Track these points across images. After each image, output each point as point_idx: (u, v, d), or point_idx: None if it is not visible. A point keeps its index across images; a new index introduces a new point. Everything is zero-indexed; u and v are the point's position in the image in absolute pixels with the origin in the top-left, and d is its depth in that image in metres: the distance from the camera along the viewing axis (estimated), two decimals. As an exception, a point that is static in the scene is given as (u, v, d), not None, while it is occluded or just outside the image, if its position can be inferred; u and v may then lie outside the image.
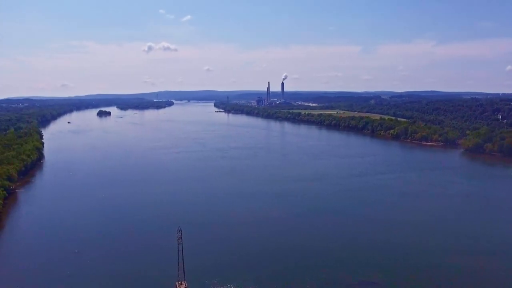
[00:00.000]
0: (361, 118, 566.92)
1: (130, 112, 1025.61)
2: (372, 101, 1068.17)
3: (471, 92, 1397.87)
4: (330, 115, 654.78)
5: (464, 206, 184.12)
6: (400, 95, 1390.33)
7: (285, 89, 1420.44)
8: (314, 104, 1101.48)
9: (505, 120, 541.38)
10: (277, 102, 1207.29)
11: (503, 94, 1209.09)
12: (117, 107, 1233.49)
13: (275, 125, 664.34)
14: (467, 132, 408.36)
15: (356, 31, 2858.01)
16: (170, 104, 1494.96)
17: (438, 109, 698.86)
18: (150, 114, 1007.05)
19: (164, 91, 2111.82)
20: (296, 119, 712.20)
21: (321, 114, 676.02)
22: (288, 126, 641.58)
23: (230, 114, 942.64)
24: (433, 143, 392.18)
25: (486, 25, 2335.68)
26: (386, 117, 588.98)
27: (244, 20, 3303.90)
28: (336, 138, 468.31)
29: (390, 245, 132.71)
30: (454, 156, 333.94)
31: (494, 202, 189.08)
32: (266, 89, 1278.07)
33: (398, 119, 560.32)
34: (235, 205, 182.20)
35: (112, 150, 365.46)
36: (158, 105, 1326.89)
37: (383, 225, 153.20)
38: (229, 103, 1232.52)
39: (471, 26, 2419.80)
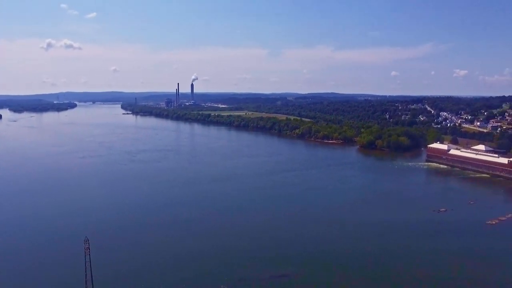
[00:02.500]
0: (269, 118, 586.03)
1: (26, 115, 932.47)
2: (279, 102, 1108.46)
3: (364, 94, 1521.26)
4: (239, 116, 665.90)
5: (360, 197, 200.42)
6: (304, 97, 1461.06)
7: (195, 91, 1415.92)
8: (223, 106, 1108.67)
9: (391, 119, 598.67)
10: (187, 103, 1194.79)
11: (390, 96, 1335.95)
12: (10, 109, 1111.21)
13: (185, 127, 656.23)
14: (362, 130, 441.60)
15: (263, 34, 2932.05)
16: (72, 106, 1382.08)
17: (337, 110, 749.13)
18: (50, 116, 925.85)
19: (66, 92, 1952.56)
20: (206, 120, 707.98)
21: (230, 115, 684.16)
22: (198, 128, 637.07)
23: (138, 116, 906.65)
24: (334, 141, 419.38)
25: (376, 34, 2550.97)
26: (292, 117, 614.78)
27: (153, 20, 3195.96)
28: (245, 139, 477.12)
29: (298, 238, 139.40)
30: (351, 152, 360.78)
31: (382, 193, 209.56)
32: (175, 91, 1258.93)
33: (303, 119, 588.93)
34: (146, 210, 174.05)
35: (3, 158, 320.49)
36: (59, 107, 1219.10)
37: (290, 219, 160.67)
38: (137, 105, 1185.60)
39: (364, 35, 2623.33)
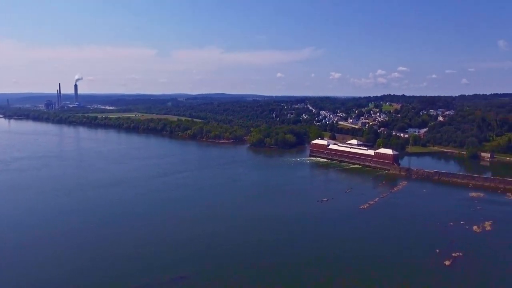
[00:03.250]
0: (160, 120, 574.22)
1: None
2: (170, 103, 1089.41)
3: (253, 94, 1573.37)
4: (128, 118, 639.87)
5: (252, 193, 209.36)
6: (195, 97, 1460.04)
7: (79, 92, 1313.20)
8: (111, 107, 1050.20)
9: (278, 118, 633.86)
10: (70, 105, 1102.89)
11: (276, 96, 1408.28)
12: None
13: (69, 131, 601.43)
14: (251, 129, 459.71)
15: (152, 34, 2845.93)
16: None
17: (227, 110, 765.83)
18: None
19: None
20: (93, 123, 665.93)
21: (119, 117, 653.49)
22: (84, 131, 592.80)
23: (12, 120, 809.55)
24: (225, 141, 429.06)
25: (262, 38, 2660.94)
26: (183, 118, 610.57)
27: (26, 14, 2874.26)
28: (136, 141, 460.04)
29: (194, 238, 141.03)
30: (242, 150, 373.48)
31: (273, 187, 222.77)
32: (57, 92, 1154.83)
33: (194, 120, 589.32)
34: (26, 222, 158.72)
35: None
36: None
37: (184, 220, 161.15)
38: (11, 107, 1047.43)
39: (252, 38, 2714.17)
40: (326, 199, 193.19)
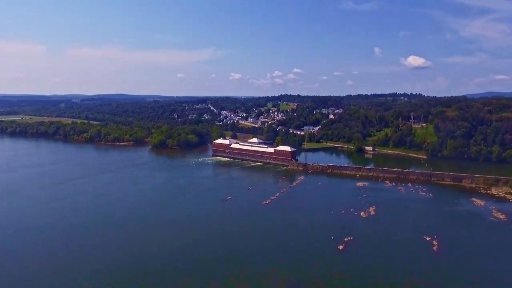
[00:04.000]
0: (52, 123, 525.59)
1: None
2: (63, 105, 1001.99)
3: (153, 95, 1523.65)
4: (14, 121, 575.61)
5: (155, 196, 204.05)
6: (91, 98, 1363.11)
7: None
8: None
9: (180, 119, 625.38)
10: None
11: (177, 97, 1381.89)
12: None
13: None
14: (153, 130, 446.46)
15: (42, 28, 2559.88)
16: None
17: (127, 111, 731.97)
18: None
19: None
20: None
21: (2, 120, 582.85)
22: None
23: None
24: (125, 143, 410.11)
25: (163, 37, 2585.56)
26: (79, 121, 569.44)
27: None
28: (23, 147, 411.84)
29: (89, 252, 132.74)
30: (144, 153, 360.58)
31: (174, 189, 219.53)
32: None
33: (91, 122, 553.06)
34: None
35: None
36: None
37: (78, 232, 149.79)
38: None
39: (151, 37, 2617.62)
40: (230, 197, 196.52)
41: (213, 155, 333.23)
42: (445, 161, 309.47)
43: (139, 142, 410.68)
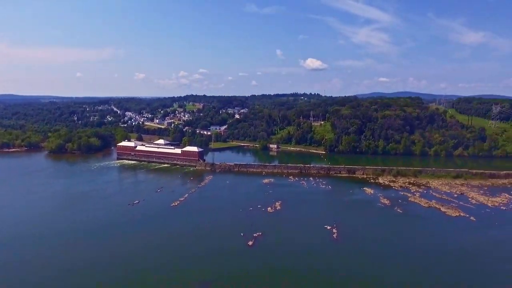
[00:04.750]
0: None
1: None
2: None
3: (49, 95, 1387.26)
4: None
5: (52, 204, 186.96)
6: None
7: None
8: None
9: (80, 121, 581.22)
10: None
11: (76, 97, 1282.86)
12: None
13: None
14: (49, 134, 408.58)
15: None
16: None
17: (18, 114, 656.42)
18: None
19: None
20: None
21: None
22: None
23: None
24: (16, 149, 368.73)
25: (57, 33, 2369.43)
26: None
27: None
28: None
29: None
30: (39, 159, 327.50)
31: (76, 196, 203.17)
32: None
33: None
34: None
35: None
36: None
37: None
38: None
39: (43, 32, 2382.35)
40: (137, 201, 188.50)
41: (118, 159, 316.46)
42: (341, 155, 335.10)
43: (33, 148, 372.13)
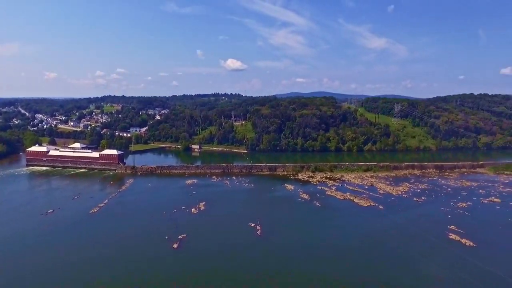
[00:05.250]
0: None
1: None
2: None
3: None
4: None
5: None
6: None
7: None
8: None
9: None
10: None
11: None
12: None
13: None
14: None
15: None
16: None
17: None
18: None
19: None
20: None
21: None
22: None
23: None
24: None
25: None
26: None
27: None
28: None
29: None
30: None
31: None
32: None
33: None
34: None
35: None
36: None
37: None
38: None
39: None
40: (51, 210, 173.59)
41: (28, 165, 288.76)
42: (262, 153, 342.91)
43: None
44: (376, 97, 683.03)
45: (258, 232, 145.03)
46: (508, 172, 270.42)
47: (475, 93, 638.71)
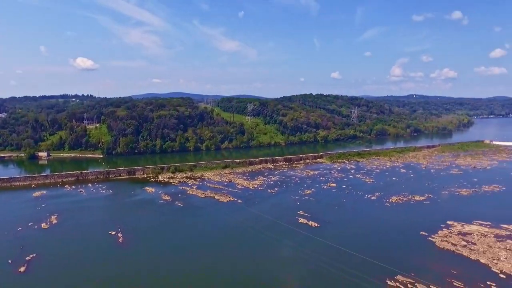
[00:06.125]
0: None
1: None
2: None
3: None
4: None
5: None
6: None
7: None
8: None
9: None
10: None
11: None
12: None
13: None
14: None
15: None
16: None
17: None
18: None
19: None
20: None
21: None
22: None
23: None
24: None
25: None
26: None
27: None
28: None
29: None
30: None
31: None
32: None
33: None
34: None
35: None
36: None
37: None
38: None
39: None
40: None
41: None
42: (120, 157, 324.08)
43: None
44: (230, 97, 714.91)
45: (120, 240, 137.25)
46: (340, 160, 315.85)
47: (314, 93, 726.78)
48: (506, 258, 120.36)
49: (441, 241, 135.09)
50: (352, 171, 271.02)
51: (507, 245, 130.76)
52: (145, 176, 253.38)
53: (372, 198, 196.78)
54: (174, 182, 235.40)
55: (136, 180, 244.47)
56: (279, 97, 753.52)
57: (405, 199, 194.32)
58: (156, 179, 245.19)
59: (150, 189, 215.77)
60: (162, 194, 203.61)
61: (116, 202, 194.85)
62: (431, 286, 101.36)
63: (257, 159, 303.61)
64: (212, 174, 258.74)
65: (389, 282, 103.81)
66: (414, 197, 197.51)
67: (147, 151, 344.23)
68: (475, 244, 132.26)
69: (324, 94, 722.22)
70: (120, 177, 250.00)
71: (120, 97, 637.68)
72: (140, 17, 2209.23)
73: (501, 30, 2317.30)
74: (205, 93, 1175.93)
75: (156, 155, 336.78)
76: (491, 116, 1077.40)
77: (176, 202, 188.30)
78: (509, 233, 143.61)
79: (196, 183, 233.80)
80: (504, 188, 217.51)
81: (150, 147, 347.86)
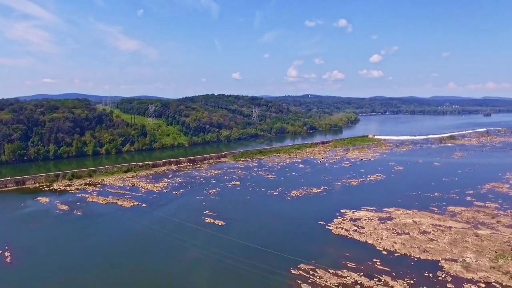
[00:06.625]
0: None
1: None
2: None
3: None
4: None
5: None
6: None
7: None
8: None
9: None
10: None
11: None
12: None
13: None
14: None
15: None
16: None
17: None
18: None
19: None
20: None
21: None
22: None
23: None
24: None
25: None
26: None
27: None
28: None
29: None
30: None
31: None
32: None
33: None
34: None
35: None
36: None
37: None
38: None
39: None
40: None
41: None
42: (6, 166, 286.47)
43: None
44: (131, 98, 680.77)
45: (8, 260, 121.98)
46: (243, 159, 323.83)
47: (216, 94, 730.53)
48: (387, 237, 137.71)
49: (336, 228, 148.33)
50: (255, 169, 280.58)
51: (387, 226, 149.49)
52: (37, 185, 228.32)
53: (274, 193, 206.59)
54: (71, 190, 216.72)
55: (26, 190, 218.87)
56: (181, 97, 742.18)
57: (304, 192, 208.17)
58: (51, 187, 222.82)
59: (43, 199, 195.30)
60: (58, 204, 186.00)
61: (3, 217, 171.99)
62: (329, 270, 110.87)
63: (161, 161, 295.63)
64: (114, 179, 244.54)
65: (293, 271, 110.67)
66: (312, 190, 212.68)
67: (38, 157, 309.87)
68: (363, 228, 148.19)
69: (226, 94, 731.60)
70: (7, 188, 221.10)
71: (4, 99, 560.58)
72: (25, 8, 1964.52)
73: (377, 38, 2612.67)
74: (104, 94, 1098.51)
75: (49, 162, 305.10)
76: (373, 113, 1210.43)
77: (75, 211, 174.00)
78: (388, 215, 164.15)
79: (97, 189, 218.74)
80: (384, 177, 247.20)
81: (42, 153, 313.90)
